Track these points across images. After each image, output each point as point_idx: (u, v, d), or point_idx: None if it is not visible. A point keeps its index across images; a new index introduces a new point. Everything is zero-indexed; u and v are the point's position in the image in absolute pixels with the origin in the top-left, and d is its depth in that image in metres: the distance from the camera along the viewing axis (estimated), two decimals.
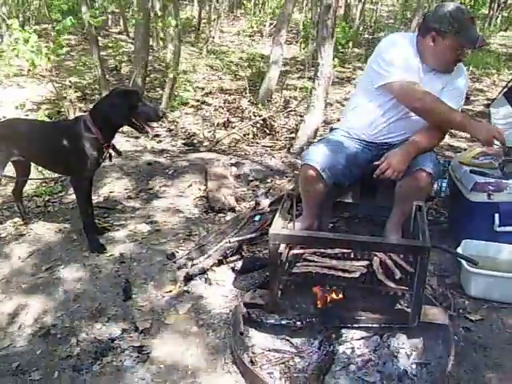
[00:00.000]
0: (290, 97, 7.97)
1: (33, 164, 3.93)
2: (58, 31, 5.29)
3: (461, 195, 3.43)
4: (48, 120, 5.87)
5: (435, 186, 4.10)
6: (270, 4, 15.20)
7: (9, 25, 5.29)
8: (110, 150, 3.51)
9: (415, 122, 3.10)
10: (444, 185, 4.00)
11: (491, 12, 16.92)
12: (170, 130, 6.62)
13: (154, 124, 3.48)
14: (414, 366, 2.44)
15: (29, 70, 7.66)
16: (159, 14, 8.46)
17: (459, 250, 3.09)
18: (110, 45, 9.23)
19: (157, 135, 6.10)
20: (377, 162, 2.95)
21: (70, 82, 7.89)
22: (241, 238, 3.45)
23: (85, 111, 6.73)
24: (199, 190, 4.57)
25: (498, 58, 11.45)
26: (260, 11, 15.07)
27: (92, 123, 3.33)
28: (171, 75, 7.16)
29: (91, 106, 3.57)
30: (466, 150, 4.65)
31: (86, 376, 2.50)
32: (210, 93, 8.44)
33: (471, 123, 2.99)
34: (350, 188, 3.43)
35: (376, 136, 3.22)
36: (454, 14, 2.92)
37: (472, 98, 8.33)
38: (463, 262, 2.94)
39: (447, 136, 6.23)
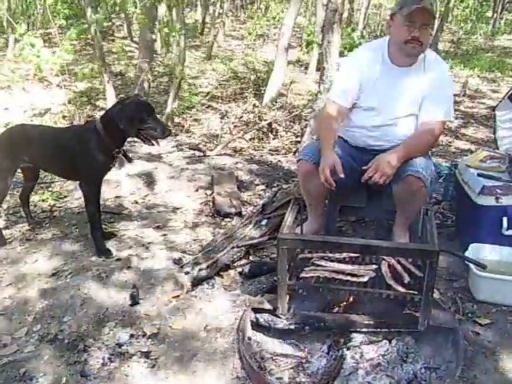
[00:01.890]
0: (295, 101, 7.97)
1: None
2: (69, 37, 5.30)
3: (468, 199, 3.42)
4: (56, 125, 5.87)
5: (441, 189, 4.11)
6: (274, 8, 15.22)
7: (15, 29, 5.30)
8: (121, 156, 3.51)
9: (402, 129, 3.09)
10: (451, 188, 4.00)
11: (495, 15, 16.92)
12: (176, 135, 6.62)
13: (160, 140, 3.46)
14: (423, 371, 2.43)
15: (35, 74, 7.68)
16: (164, 19, 8.47)
17: (467, 253, 3.08)
18: (115, 50, 9.25)
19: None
20: (365, 167, 2.92)
21: (75, 86, 7.91)
22: (248, 243, 3.44)
23: (90, 116, 6.76)
24: (205, 194, 4.56)
25: (502, 61, 11.43)
26: (264, 15, 15.08)
27: (102, 129, 3.33)
28: (176, 80, 7.17)
29: (100, 112, 3.57)
30: (472, 152, 4.64)
31: (94, 382, 2.49)
32: (215, 97, 8.44)
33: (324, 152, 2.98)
34: (357, 192, 3.41)
35: (365, 145, 3.21)
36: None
37: (477, 100, 8.32)
38: (471, 265, 2.92)
39: (453, 139, 6.30)
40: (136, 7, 6.94)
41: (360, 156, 3.16)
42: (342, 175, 2.84)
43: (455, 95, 8.48)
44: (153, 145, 3.42)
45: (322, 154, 2.95)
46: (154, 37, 7.92)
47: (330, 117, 3.13)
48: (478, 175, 3.44)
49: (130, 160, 3.65)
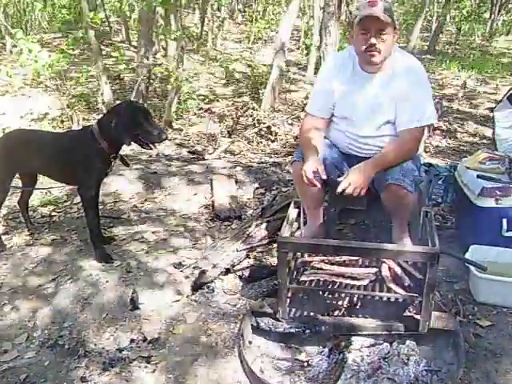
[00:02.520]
0: (294, 103, 7.97)
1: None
2: (68, 44, 5.31)
3: (468, 200, 3.42)
4: (53, 130, 5.87)
5: (441, 191, 4.11)
6: (272, 11, 15.23)
7: (13, 34, 5.31)
8: (118, 160, 3.51)
9: (381, 137, 3.04)
10: (450, 190, 3.99)
11: (492, 16, 16.95)
12: (175, 138, 6.62)
13: (157, 144, 3.46)
14: (424, 373, 2.44)
15: (33, 79, 7.67)
16: (161, 22, 8.47)
17: (467, 255, 3.08)
18: (113, 54, 9.24)
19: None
20: (339, 179, 2.88)
21: (73, 90, 7.91)
22: (248, 247, 3.44)
23: (88, 120, 6.75)
24: (205, 198, 4.56)
25: (500, 62, 11.45)
26: (262, 18, 15.08)
27: (99, 134, 3.33)
28: (174, 83, 7.17)
29: (98, 117, 3.57)
30: (472, 154, 4.63)
31: None
32: (214, 100, 8.44)
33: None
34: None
35: (348, 152, 3.20)
36: (356, 8, 2.93)
37: (475, 102, 8.32)
38: (471, 267, 2.92)
39: (452, 140, 6.30)
40: (133, 10, 6.97)
41: (349, 161, 3.15)
42: (325, 177, 2.82)
43: (453, 96, 8.50)
44: (150, 148, 3.42)
45: (304, 159, 2.94)
46: (152, 40, 7.89)
47: (308, 130, 3.10)
48: (478, 177, 3.44)
49: (127, 164, 3.65)
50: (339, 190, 2.81)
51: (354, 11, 2.83)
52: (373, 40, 2.79)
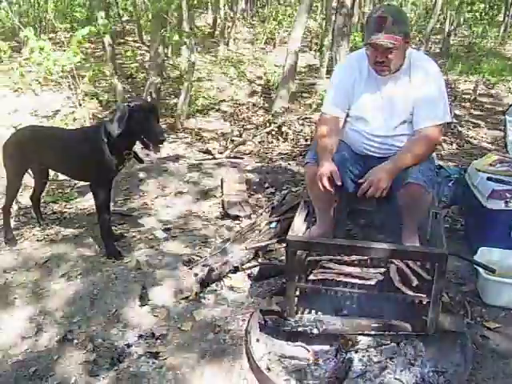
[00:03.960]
0: (305, 104, 7.97)
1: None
2: (77, 41, 5.33)
3: (477, 202, 3.41)
4: (66, 127, 5.90)
5: (451, 193, 4.10)
6: (285, 12, 15.22)
7: (25, 33, 5.34)
8: (132, 157, 3.53)
9: (399, 136, 3.04)
10: (460, 192, 3.98)
11: (506, 18, 16.85)
12: (186, 137, 6.65)
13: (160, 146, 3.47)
14: (431, 374, 2.43)
15: (45, 77, 7.71)
16: (174, 21, 8.49)
17: (476, 257, 3.07)
18: (127, 53, 9.28)
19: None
20: (360, 181, 2.89)
21: (85, 88, 7.94)
22: (257, 245, 3.45)
23: (100, 118, 6.79)
24: (215, 196, 4.58)
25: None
26: (275, 19, 15.08)
27: (110, 131, 3.34)
28: (186, 83, 7.19)
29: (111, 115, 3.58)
30: (482, 156, 4.62)
31: (103, 382, 2.52)
32: (225, 100, 8.46)
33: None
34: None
35: (364, 153, 3.20)
36: (367, 16, 2.94)
37: (487, 105, 8.29)
38: (480, 269, 2.92)
39: (463, 142, 6.28)
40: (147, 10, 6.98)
41: (364, 161, 3.15)
42: (339, 183, 2.83)
43: (466, 100, 8.46)
44: (151, 150, 3.43)
45: (319, 163, 2.95)
46: (164, 40, 7.91)
47: (324, 129, 3.11)
48: (488, 179, 3.43)
49: (141, 161, 3.67)
50: (360, 192, 2.82)
51: (367, 15, 2.84)
52: (379, 59, 2.84)
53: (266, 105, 7.69)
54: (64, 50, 5.81)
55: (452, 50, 13.70)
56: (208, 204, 4.46)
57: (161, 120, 4.40)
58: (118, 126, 3.27)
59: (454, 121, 6.93)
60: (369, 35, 2.81)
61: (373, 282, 2.65)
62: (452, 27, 13.72)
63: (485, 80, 9.90)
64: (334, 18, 8.46)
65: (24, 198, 4.38)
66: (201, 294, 3.15)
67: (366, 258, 2.84)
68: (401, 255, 2.64)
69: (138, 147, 3.52)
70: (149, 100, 6.67)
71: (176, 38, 6.87)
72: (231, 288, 3.22)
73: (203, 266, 3.33)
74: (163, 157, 5.61)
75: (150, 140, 3.35)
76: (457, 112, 7.43)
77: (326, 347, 2.60)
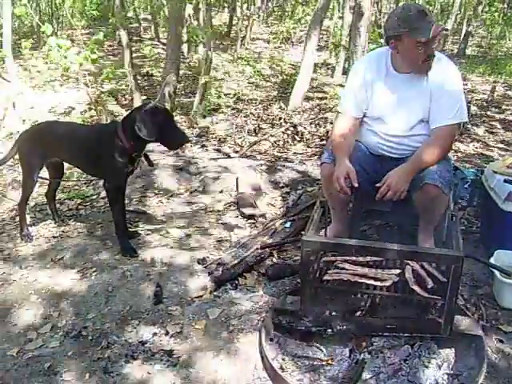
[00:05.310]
0: (321, 104, 7.96)
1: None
2: (96, 41, 5.37)
3: (494, 205, 3.39)
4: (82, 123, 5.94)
5: (467, 195, 4.08)
6: (301, 10, 15.20)
7: (44, 31, 5.38)
8: (142, 159, 3.55)
9: (416, 136, 3.05)
10: (476, 194, 3.96)
11: None
12: (201, 136, 6.66)
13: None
14: (445, 377, 2.42)
15: (62, 74, 7.76)
16: (191, 20, 8.52)
17: (492, 260, 3.05)
18: (143, 51, 9.33)
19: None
20: (378, 184, 2.88)
21: (102, 87, 7.99)
22: (272, 245, 3.45)
23: (116, 116, 6.82)
24: (230, 195, 4.58)
25: None
26: (291, 18, 15.07)
27: (122, 133, 3.36)
28: (202, 81, 7.20)
29: (126, 112, 3.59)
30: (499, 158, 4.59)
31: (117, 378, 2.52)
32: (241, 99, 8.47)
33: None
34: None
35: (381, 153, 3.19)
36: (400, 16, 2.84)
37: (504, 106, 8.23)
38: (496, 272, 2.90)
39: (480, 144, 6.24)
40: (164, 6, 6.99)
41: (380, 162, 3.15)
42: (356, 184, 2.82)
43: (483, 101, 8.41)
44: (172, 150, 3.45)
45: (336, 163, 2.95)
46: (181, 38, 7.93)
47: (341, 129, 3.11)
48: (505, 181, 3.40)
49: (151, 164, 3.69)
50: (379, 196, 2.82)
51: (395, 25, 2.80)
52: (430, 52, 2.84)
53: (282, 104, 7.67)
54: (82, 48, 5.85)
55: (469, 50, 13.62)
56: (223, 203, 4.46)
57: (176, 119, 4.40)
58: (140, 129, 3.26)
59: (472, 123, 6.89)
60: (417, 33, 2.77)
61: (388, 284, 2.64)
62: (470, 28, 13.62)
63: (503, 81, 9.83)
64: (351, 17, 8.44)
65: (40, 194, 4.42)
66: (215, 293, 3.15)
67: (381, 259, 2.83)
68: (417, 257, 2.62)
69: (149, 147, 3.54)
70: (166, 98, 6.71)
71: (195, 35, 6.89)
72: (245, 287, 3.22)
73: (218, 264, 3.34)
74: (178, 155, 5.62)
75: (175, 143, 3.38)
76: (474, 113, 7.38)
77: (340, 348, 2.60)
